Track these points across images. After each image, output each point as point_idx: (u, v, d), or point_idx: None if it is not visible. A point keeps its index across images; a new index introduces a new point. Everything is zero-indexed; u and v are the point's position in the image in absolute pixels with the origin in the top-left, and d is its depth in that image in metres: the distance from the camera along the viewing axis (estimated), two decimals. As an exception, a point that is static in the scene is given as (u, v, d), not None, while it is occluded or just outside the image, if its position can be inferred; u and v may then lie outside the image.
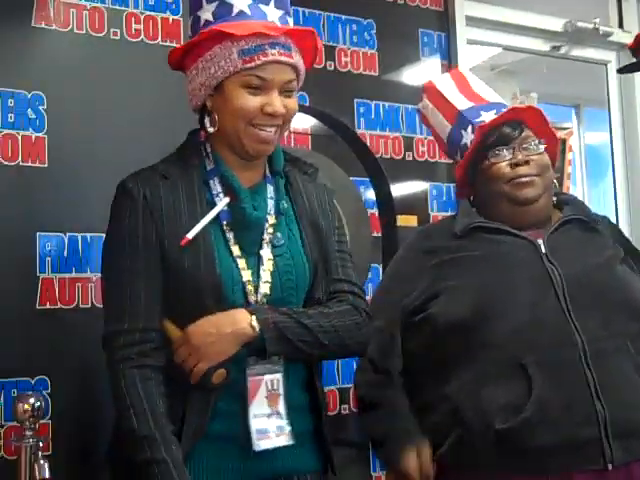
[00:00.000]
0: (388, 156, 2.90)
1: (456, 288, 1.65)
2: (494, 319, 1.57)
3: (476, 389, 1.54)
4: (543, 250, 1.65)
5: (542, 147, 1.73)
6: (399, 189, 2.87)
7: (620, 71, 1.89)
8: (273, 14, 1.50)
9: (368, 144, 2.79)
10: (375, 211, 2.49)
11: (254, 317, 1.42)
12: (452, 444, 1.58)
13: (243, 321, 1.42)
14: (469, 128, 1.78)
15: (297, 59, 1.50)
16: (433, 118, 1.91)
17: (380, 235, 2.42)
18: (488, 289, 1.63)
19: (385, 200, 2.39)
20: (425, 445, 1.61)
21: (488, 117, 1.75)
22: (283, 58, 1.46)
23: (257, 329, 1.41)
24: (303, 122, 2.70)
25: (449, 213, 2.99)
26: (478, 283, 1.64)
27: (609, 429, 1.49)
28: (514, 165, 1.70)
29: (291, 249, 1.53)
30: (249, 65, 1.44)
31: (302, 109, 2.57)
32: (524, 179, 1.69)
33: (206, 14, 1.50)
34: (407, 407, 1.67)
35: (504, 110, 1.76)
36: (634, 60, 1.81)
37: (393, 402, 1.68)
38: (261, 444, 1.44)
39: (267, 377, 1.46)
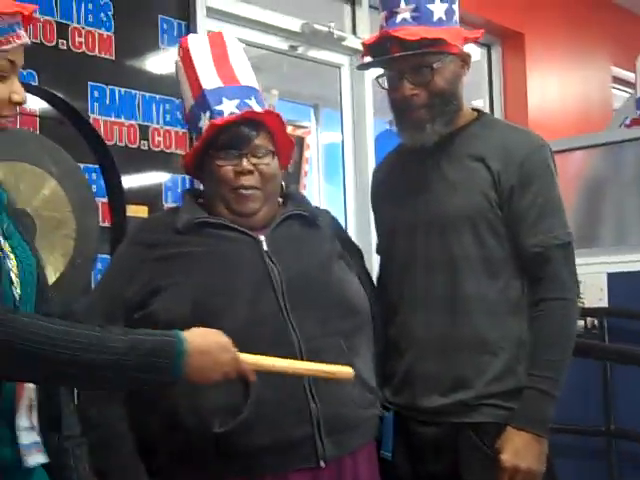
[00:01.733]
0: (123, 144, 2.81)
1: (177, 285, 1.60)
2: (213, 318, 1.52)
3: (194, 391, 1.48)
4: (265, 248, 1.66)
5: (269, 159, 1.69)
6: (133, 179, 2.80)
7: (359, 68, 1.98)
8: None
9: (102, 130, 2.69)
10: (106, 200, 2.40)
11: None
12: (170, 448, 1.55)
13: None
14: (207, 113, 1.69)
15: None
16: (181, 82, 1.80)
17: (110, 225, 2.33)
18: (208, 287, 1.59)
19: (115, 189, 2.31)
20: None
21: (228, 108, 1.67)
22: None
23: None
24: (31, 103, 2.54)
25: (184, 204, 2.98)
26: (199, 280, 1.60)
27: (322, 427, 1.54)
28: (239, 173, 1.66)
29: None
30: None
31: (30, 89, 2.43)
32: (245, 192, 1.66)
33: None
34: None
35: (245, 107, 1.69)
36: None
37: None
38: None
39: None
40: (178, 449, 1.54)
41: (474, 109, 1.94)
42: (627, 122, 3.37)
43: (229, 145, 1.66)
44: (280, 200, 1.79)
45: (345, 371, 1.48)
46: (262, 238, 1.67)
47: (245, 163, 1.66)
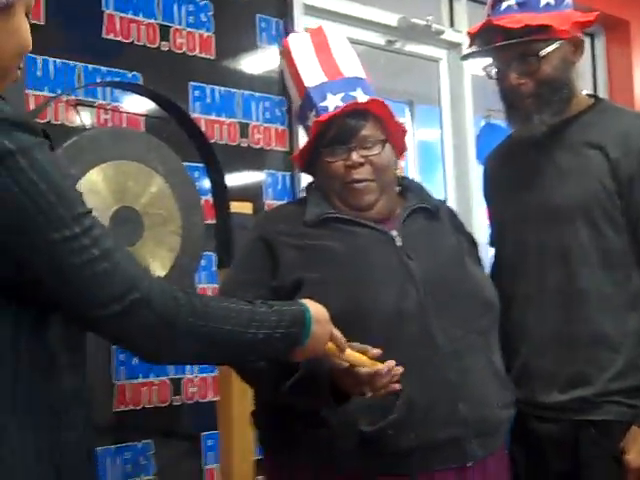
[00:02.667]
0: (223, 142, 2.84)
1: (323, 280, 1.56)
2: (362, 315, 1.51)
3: None
4: (399, 243, 1.62)
5: (379, 149, 1.65)
6: (234, 176, 2.82)
7: (462, 58, 1.93)
8: None
9: (203, 129, 2.72)
10: (209, 198, 2.42)
11: None
12: (312, 444, 1.53)
13: None
14: (313, 111, 1.68)
15: None
16: (288, 84, 1.81)
17: (214, 222, 2.35)
18: (352, 286, 1.55)
19: (218, 186, 2.32)
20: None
21: (332, 102, 1.64)
22: None
23: None
24: (137, 103, 2.59)
25: (284, 201, 2.98)
26: (345, 277, 1.56)
27: (470, 428, 1.51)
28: (349, 167, 1.63)
29: None
30: None
31: (135, 89, 2.49)
32: (357, 185, 1.63)
33: None
34: None
35: (350, 99, 1.65)
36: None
37: None
38: None
39: None
40: (320, 446, 1.51)
41: (590, 95, 1.86)
42: None
43: (336, 140, 1.64)
44: (397, 189, 1.74)
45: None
46: (394, 233, 1.64)
47: (354, 156, 1.63)
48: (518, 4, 1.73)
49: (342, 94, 1.66)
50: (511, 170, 1.86)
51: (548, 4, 1.73)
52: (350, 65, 1.75)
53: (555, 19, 1.71)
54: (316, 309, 1.31)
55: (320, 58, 1.73)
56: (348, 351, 1.36)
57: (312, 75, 1.70)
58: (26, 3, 1.18)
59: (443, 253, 1.65)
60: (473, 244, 1.80)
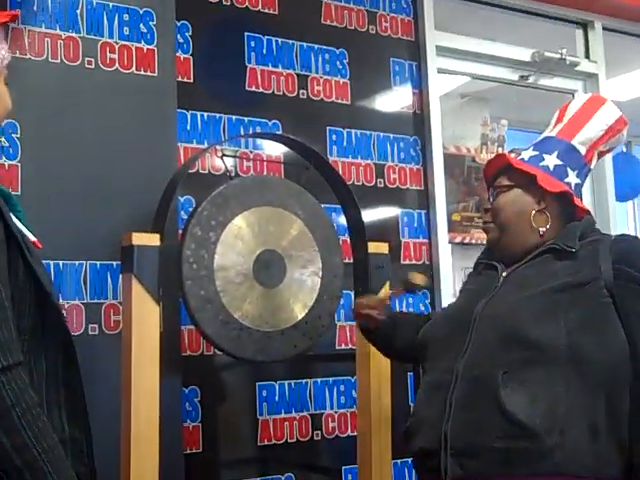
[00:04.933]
0: (360, 183, 2.95)
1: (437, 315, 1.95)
2: (432, 342, 1.80)
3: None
4: (500, 282, 1.76)
5: (503, 194, 1.84)
6: (370, 215, 2.92)
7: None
8: None
9: (340, 171, 2.84)
10: (347, 237, 2.52)
11: None
12: None
13: None
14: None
15: None
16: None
17: (352, 262, 2.44)
18: (442, 314, 1.88)
19: (356, 227, 2.41)
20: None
21: (526, 155, 1.87)
22: None
23: None
24: (276, 150, 2.74)
25: (420, 239, 3.04)
26: (444, 311, 1.87)
27: (449, 445, 1.61)
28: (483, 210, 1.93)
29: None
30: None
31: (275, 137, 2.63)
32: (483, 226, 1.91)
33: None
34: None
35: (539, 160, 1.85)
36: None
37: None
38: None
39: None
40: None
41: None
42: None
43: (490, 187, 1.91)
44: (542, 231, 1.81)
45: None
46: (504, 273, 1.77)
47: (486, 204, 1.90)
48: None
49: (537, 153, 1.86)
50: None
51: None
52: (584, 135, 1.88)
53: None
54: None
55: (574, 118, 1.90)
56: None
57: (555, 127, 1.91)
58: (4, 73, 1.46)
59: (520, 291, 1.70)
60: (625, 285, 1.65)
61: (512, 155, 1.89)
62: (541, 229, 1.79)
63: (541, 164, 1.82)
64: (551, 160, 1.83)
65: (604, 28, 3.79)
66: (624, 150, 5.62)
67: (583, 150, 1.87)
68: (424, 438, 1.67)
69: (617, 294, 1.62)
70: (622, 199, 5.50)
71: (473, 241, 3.65)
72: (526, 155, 1.86)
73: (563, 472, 1.53)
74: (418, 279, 2.07)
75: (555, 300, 1.63)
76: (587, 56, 3.78)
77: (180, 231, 2.22)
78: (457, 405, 1.63)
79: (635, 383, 1.59)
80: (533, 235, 1.79)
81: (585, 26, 3.80)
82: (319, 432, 2.69)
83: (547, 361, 1.58)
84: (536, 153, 1.85)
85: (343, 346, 2.65)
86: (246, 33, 2.79)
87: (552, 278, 1.68)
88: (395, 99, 3.12)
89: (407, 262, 3.01)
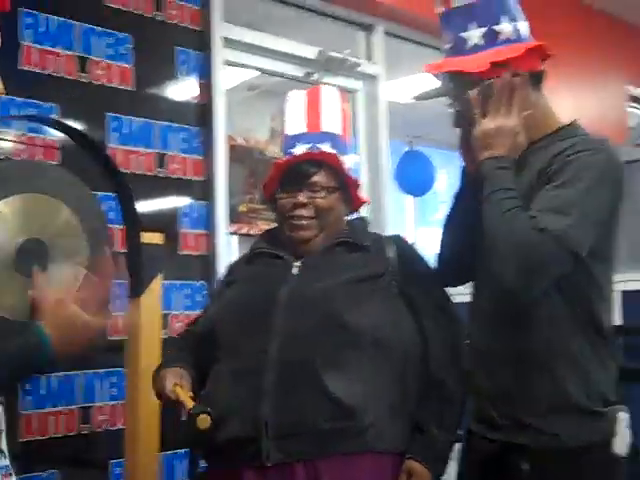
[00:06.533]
0: (140, 172, 2.90)
1: (215, 305, 1.91)
2: (220, 326, 1.81)
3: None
4: (295, 271, 1.83)
5: (325, 194, 1.85)
6: (151, 205, 2.88)
7: (417, 98, 1.89)
8: None
9: (120, 159, 2.78)
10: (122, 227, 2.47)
11: None
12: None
13: None
14: (285, 156, 1.92)
15: None
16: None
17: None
18: (230, 304, 1.85)
19: (129, 216, 2.37)
20: (184, 368, 1.81)
21: (299, 150, 1.88)
22: None
23: None
24: (55, 134, 2.64)
25: (200, 230, 3.05)
26: (226, 299, 1.86)
27: (269, 430, 1.65)
28: (294, 205, 1.85)
29: None
30: None
31: (45, 122, 2.53)
32: (297, 221, 1.85)
33: None
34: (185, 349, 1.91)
35: (316, 149, 1.88)
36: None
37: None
38: None
39: None
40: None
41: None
42: (639, 141, 3.39)
43: (289, 182, 1.87)
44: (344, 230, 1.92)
45: (202, 418, 1.60)
46: (297, 263, 1.84)
47: (300, 197, 1.84)
48: (451, 48, 1.74)
49: (311, 144, 1.89)
50: None
51: (476, 45, 1.70)
52: (331, 121, 1.95)
53: (470, 62, 1.69)
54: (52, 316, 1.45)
55: (309, 111, 1.95)
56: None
57: (294, 125, 1.95)
58: None
59: (331, 279, 1.79)
60: (412, 277, 1.86)
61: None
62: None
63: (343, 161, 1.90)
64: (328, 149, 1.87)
65: (386, 32, 3.98)
66: (408, 149, 5.93)
67: (340, 134, 1.94)
68: (237, 426, 1.67)
69: (404, 284, 1.83)
70: (414, 194, 5.80)
71: (259, 232, 3.70)
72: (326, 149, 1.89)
73: (372, 449, 1.68)
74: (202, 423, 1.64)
75: (359, 289, 1.78)
76: (369, 58, 3.95)
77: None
78: (275, 390, 1.67)
79: (422, 364, 1.79)
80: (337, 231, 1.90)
81: (368, 29, 3.97)
82: (88, 426, 2.63)
83: (358, 345, 1.72)
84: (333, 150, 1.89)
85: (115, 337, 2.59)
86: (21, 9, 2.66)
87: (351, 268, 1.82)
88: (180, 89, 3.10)
89: (185, 252, 3.00)
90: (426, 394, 1.77)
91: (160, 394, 1.77)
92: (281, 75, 3.65)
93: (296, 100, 1.98)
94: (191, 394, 1.70)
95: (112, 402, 2.69)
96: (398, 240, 1.94)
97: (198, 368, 1.83)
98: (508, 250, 1.54)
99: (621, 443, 1.63)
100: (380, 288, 1.81)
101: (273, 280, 1.82)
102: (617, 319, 3.08)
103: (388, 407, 1.72)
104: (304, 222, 1.85)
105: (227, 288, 1.92)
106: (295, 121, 1.95)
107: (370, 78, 3.89)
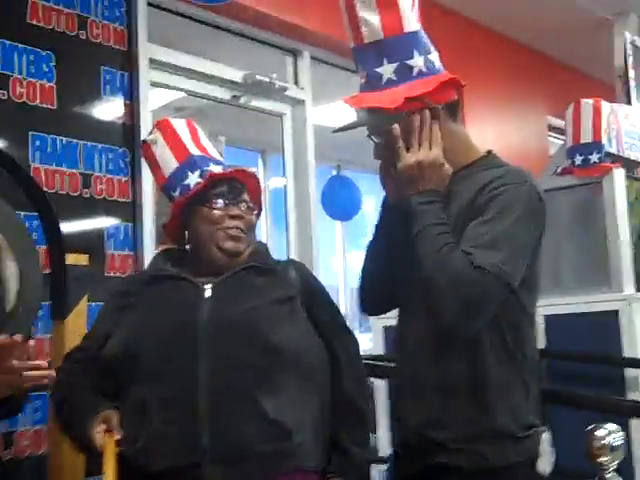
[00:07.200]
0: (64, 192, 2.84)
1: (121, 329, 1.79)
2: (134, 355, 1.72)
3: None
4: (208, 294, 1.79)
5: (251, 212, 1.90)
6: (75, 226, 2.82)
7: (337, 130, 1.83)
8: None
9: (43, 179, 2.72)
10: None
11: None
12: None
13: None
14: (197, 172, 1.91)
15: None
16: (160, 152, 2.00)
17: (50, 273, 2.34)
18: (138, 330, 1.76)
19: (53, 236, 2.33)
20: (110, 413, 1.72)
21: (216, 170, 1.91)
22: None
23: None
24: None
25: (126, 252, 3.00)
26: (133, 325, 1.77)
27: (209, 456, 1.64)
28: (230, 216, 1.85)
29: None
30: None
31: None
32: (235, 232, 1.85)
33: None
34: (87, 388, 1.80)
35: (232, 169, 1.93)
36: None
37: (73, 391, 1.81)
38: None
39: None
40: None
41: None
42: (559, 170, 3.50)
43: (223, 194, 1.87)
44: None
45: None
46: (208, 286, 1.80)
47: (237, 210, 1.87)
48: (366, 83, 1.71)
49: (221, 167, 1.95)
50: None
51: (390, 79, 1.69)
52: (216, 153, 2.02)
53: (385, 98, 1.68)
54: None
55: (194, 140, 2.00)
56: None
57: (193, 147, 1.97)
58: None
59: (247, 303, 1.78)
60: (318, 300, 1.91)
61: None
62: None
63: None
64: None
65: (312, 57, 4.02)
66: (335, 173, 5.99)
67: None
68: (172, 455, 1.64)
69: (310, 307, 1.87)
70: (341, 219, 5.85)
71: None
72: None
73: (302, 467, 1.71)
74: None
75: (280, 310, 1.80)
76: (296, 82, 3.98)
77: None
78: (211, 415, 1.64)
79: (333, 381, 1.82)
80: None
81: (295, 54, 4.01)
82: (10, 451, 2.52)
83: (286, 366, 1.74)
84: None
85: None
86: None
87: (264, 291, 1.83)
88: (105, 109, 3.06)
89: (112, 274, 2.95)
90: (339, 414, 1.81)
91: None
92: (208, 97, 3.64)
93: (180, 127, 2.01)
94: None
95: (36, 426, 2.60)
96: (296, 263, 2.00)
97: (103, 394, 1.78)
98: (447, 288, 1.57)
99: (544, 463, 1.68)
100: (296, 310, 1.84)
101: (185, 304, 1.79)
102: (540, 343, 3.17)
103: (312, 426, 1.74)
104: (241, 234, 1.86)
105: (126, 311, 1.83)
106: (192, 144, 1.98)
107: (297, 102, 3.92)
